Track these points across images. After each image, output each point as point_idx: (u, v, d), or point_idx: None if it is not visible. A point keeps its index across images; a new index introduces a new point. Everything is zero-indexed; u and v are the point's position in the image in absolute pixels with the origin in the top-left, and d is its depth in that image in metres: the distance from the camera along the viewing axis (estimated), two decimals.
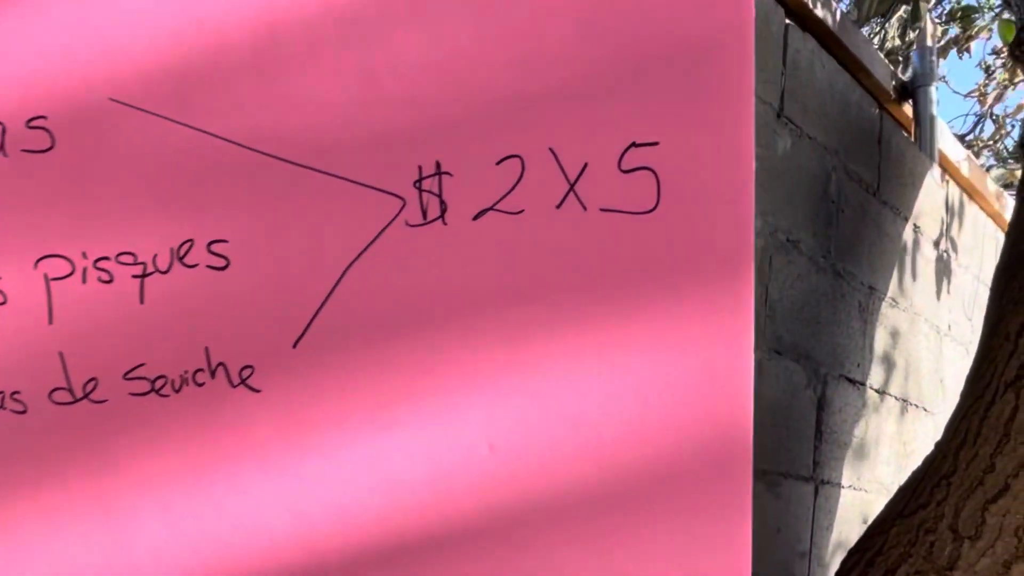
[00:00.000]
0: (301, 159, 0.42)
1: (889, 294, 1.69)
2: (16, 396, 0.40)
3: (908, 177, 1.79)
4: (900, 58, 3.02)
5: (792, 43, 1.44)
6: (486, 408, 0.42)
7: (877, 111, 1.70)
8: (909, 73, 1.96)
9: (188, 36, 0.42)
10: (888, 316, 1.69)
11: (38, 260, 0.41)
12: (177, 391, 0.42)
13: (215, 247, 0.42)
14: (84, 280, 0.41)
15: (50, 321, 0.41)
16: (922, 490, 1.03)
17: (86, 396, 0.41)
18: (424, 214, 0.42)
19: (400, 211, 0.42)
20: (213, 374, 0.41)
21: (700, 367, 0.43)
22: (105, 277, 0.41)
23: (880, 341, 1.66)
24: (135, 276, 0.41)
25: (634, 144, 0.41)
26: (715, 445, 0.44)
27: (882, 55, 1.94)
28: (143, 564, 0.40)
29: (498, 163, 0.42)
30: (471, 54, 0.43)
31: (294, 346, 0.42)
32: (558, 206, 0.42)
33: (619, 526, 0.44)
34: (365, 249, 0.41)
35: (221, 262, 0.42)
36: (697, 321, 0.42)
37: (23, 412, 0.40)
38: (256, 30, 0.42)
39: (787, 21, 1.43)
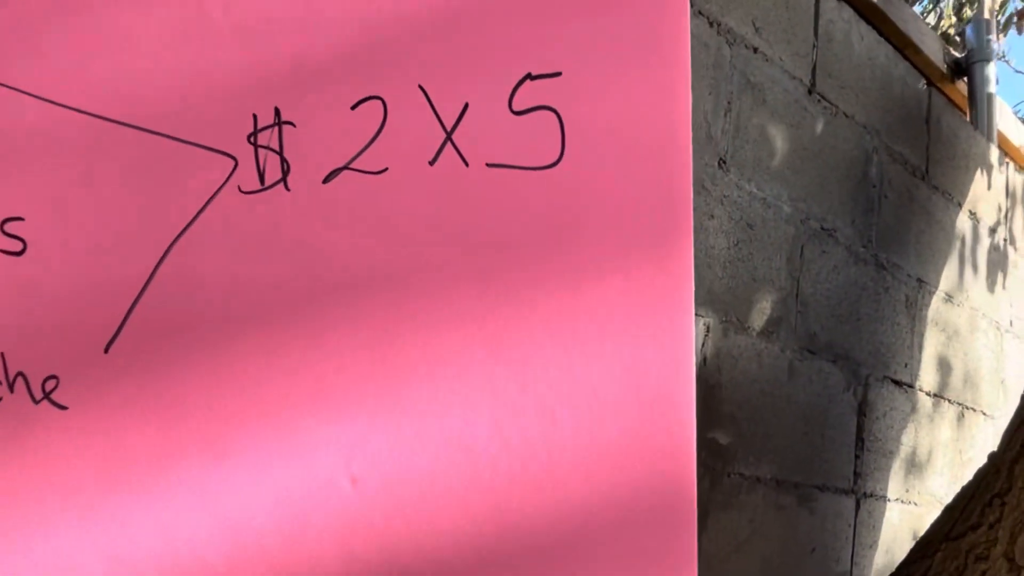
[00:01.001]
0: (113, 114, 0.32)
1: (942, 288, 1.52)
2: None
3: (962, 160, 1.61)
4: (957, 38, 2.79)
5: (825, 12, 1.29)
6: (346, 430, 0.32)
7: (925, 87, 1.53)
8: (963, 49, 1.78)
9: None
10: (941, 312, 1.51)
11: None
12: None
13: (8, 227, 0.32)
14: None
15: None
16: (972, 509, 0.87)
17: None
18: (261, 177, 0.32)
19: (231, 174, 0.32)
20: (12, 387, 0.32)
21: (625, 372, 0.32)
22: None
23: (931, 339, 1.48)
24: None
25: (529, 76, 0.30)
26: (654, 492, 0.32)
27: (935, 32, 1.76)
28: None
29: (353, 107, 0.31)
30: None
31: (105, 350, 0.32)
32: (431, 162, 0.31)
33: None
34: (188, 226, 0.31)
35: (16, 245, 0.32)
36: (618, 311, 0.31)
37: None
38: None
39: None
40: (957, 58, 1.72)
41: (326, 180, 0.32)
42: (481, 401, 0.32)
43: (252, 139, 0.32)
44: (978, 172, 1.65)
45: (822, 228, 1.24)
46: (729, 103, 1.10)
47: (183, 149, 0.32)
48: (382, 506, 0.31)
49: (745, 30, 1.13)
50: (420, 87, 0.32)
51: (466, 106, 0.32)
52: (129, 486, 0.32)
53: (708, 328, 1.03)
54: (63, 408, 0.32)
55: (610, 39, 0.31)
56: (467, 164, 0.32)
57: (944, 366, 1.51)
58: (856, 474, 1.28)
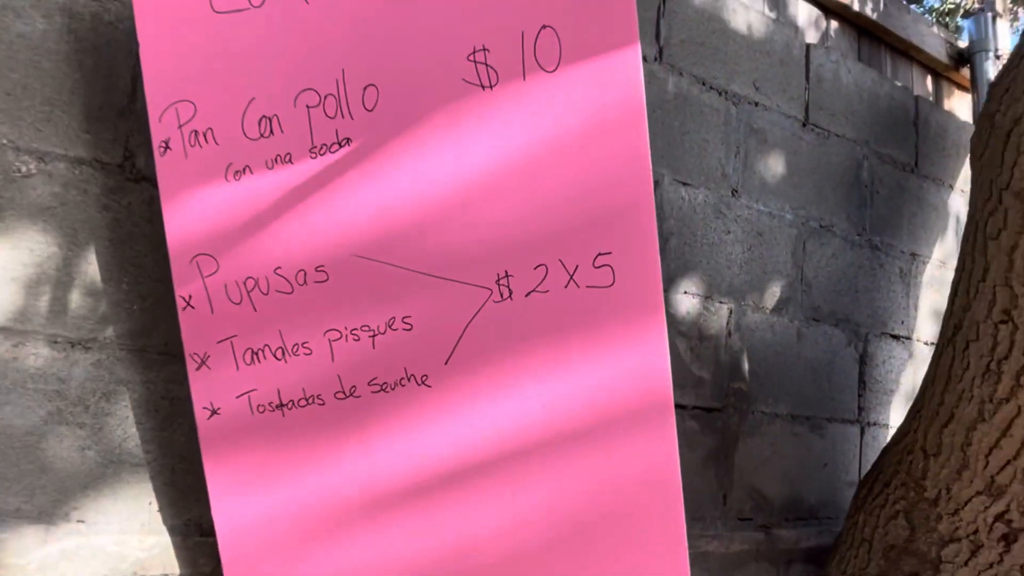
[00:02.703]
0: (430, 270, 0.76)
1: (935, 256, 1.85)
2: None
3: (952, 148, 1.92)
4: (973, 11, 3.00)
5: (815, 59, 1.65)
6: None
7: (912, 97, 1.85)
8: (965, 39, 2.07)
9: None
10: (935, 276, 1.84)
11: None
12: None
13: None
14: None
15: None
16: (908, 421, 1.27)
17: None
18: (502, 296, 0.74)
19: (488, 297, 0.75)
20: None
21: (610, 387, 0.74)
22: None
23: (927, 299, 1.82)
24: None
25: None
26: (643, 483, 0.74)
27: (936, 28, 2.04)
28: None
29: (535, 268, 0.73)
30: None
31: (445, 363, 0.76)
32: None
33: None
34: (470, 321, 0.74)
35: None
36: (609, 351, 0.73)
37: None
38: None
39: (808, 42, 1.64)
40: (960, 48, 2.01)
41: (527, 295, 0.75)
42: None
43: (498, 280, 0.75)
44: (968, 155, 1.96)
45: (820, 226, 1.62)
46: (738, 148, 1.49)
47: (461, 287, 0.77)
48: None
49: (747, 91, 1.51)
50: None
51: None
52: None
53: (731, 311, 1.44)
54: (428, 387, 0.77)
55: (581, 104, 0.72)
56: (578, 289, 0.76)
57: (939, 318, 1.84)
58: (860, 408, 1.66)
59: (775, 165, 1.55)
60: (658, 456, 0.74)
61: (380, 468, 0.78)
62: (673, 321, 1.34)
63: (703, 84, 1.45)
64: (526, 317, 0.72)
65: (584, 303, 0.71)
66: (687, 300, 1.38)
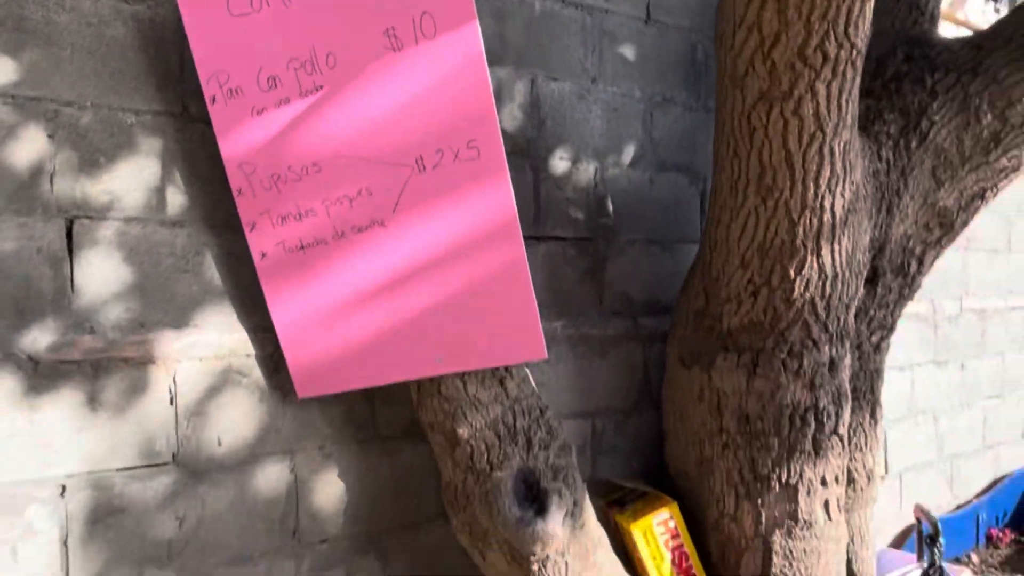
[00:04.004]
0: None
1: None
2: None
3: None
4: None
5: None
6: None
7: None
8: None
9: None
10: None
11: None
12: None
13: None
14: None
15: None
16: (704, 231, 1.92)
17: None
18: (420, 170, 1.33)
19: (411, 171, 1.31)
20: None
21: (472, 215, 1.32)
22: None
23: None
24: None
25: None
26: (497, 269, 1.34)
27: None
28: None
29: (435, 152, 1.31)
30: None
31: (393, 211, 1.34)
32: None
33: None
34: (404, 185, 1.32)
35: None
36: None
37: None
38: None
39: None
40: None
41: (433, 168, 1.33)
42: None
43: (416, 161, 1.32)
44: None
45: (664, 99, 2.20)
46: (594, 47, 2.04)
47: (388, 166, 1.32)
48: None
49: (599, 3, 2.04)
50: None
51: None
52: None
53: (596, 169, 2.04)
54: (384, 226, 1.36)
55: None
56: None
57: None
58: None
59: (625, 57, 2.11)
60: (510, 259, 1.35)
61: (361, 275, 1.39)
62: (552, 178, 1.94)
63: (563, 2, 1.97)
64: (433, 180, 1.31)
65: (464, 170, 1.30)
66: (562, 163, 1.97)
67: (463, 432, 1.44)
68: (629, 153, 2.12)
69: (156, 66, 1.36)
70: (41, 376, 1.29)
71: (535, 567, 1.44)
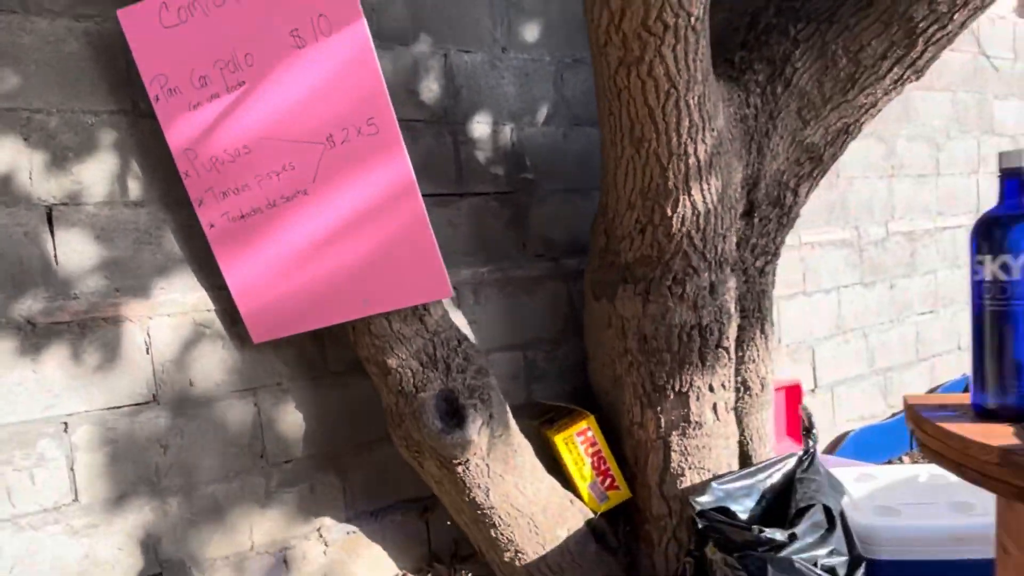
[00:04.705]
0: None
1: None
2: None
3: None
4: None
5: None
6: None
7: None
8: None
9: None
10: None
11: None
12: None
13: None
14: None
15: None
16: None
17: None
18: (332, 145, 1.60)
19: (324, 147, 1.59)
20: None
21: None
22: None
23: None
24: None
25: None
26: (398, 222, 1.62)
27: None
28: None
29: (342, 130, 1.59)
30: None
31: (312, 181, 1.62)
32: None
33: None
34: (319, 159, 1.60)
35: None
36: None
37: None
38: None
39: None
40: None
41: (341, 143, 1.61)
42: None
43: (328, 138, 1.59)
44: None
45: (573, 60, 2.46)
46: (502, 19, 2.29)
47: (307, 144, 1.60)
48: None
49: None
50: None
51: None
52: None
53: (512, 129, 2.31)
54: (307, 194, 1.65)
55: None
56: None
57: None
58: None
59: (532, 26, 2.36)
60: (412, 215, 1.64)
61: (294, 236, 1.68)
62: (471, 140, 2.21)
63: None
64: (342, 154, 1.60)
65: (366, 144, 1.59)
66: (480, 127, 2.24)
67: (392, 362, 1.75)
68: (543, 113, 2.39)
69: (107, 72, 1.64)
70: (38, 336, 1.61)
71: (460, 469, 1.77)
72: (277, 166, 1.62)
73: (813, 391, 3.32)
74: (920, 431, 0.99)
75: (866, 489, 2.12)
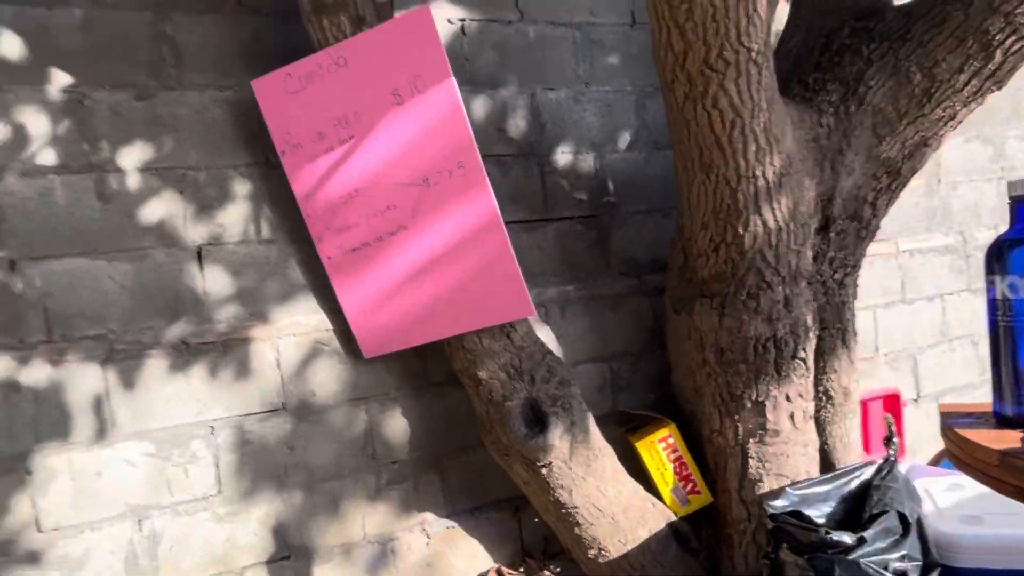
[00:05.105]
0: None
1: None
2: None
3: None
4: None
5: None
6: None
7: None
8: None
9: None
10: None
11: None
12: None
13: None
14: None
15: None
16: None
17: None
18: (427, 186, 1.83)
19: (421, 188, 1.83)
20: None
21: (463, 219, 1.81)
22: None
23: None
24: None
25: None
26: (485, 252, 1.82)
27: None
28: None
29: (436, 173, 1.82)
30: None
31: (411, 218, 1.88)
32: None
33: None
34: (418, 198, 1.84)
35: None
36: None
37: None
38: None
39: None
40: None
41: (435, 184, 1.83)
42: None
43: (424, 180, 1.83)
44: None
45: (654, 88, 2.61)
46: (584, 57, 2.48)
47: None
48: None
49: (586, 18, 2.48)
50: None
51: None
52: None
53: (595, 157, 2.49)
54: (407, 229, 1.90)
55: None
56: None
57: None
58: None
59: (613, 60, 2.54)
60: (496, 245, 1.86)
61: (397, 265, 1.94)
62: (556, 169, 2.41)
63: (554, 24, 2.43)
64: (436, 194, 1.84)
65: (456, 184, 1.82)
66: (564, 157, 2.44)
67: (482, 374, 1.97)
68: (625, 139, 2.56)
69: (243, 132, 1.96)
70: (190, 354, 1.94)
71: (544, 471, 1.96)
72: (382, 206, 1.88)
73: (916, 400, 3.28)
74: (945, 436, 1.09)
75: (954, 498, 2.14)
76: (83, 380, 1.85)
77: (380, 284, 1.96)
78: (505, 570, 2.26)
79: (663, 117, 2.59)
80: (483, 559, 2.29)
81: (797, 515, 1.84)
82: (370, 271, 1.95)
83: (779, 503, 1.88)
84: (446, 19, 2.21)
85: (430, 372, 2.22)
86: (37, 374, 1.81)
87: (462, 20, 2.25)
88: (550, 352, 2.06)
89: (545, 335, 2.29)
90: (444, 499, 2.24)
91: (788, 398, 2.14)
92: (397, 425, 2.18)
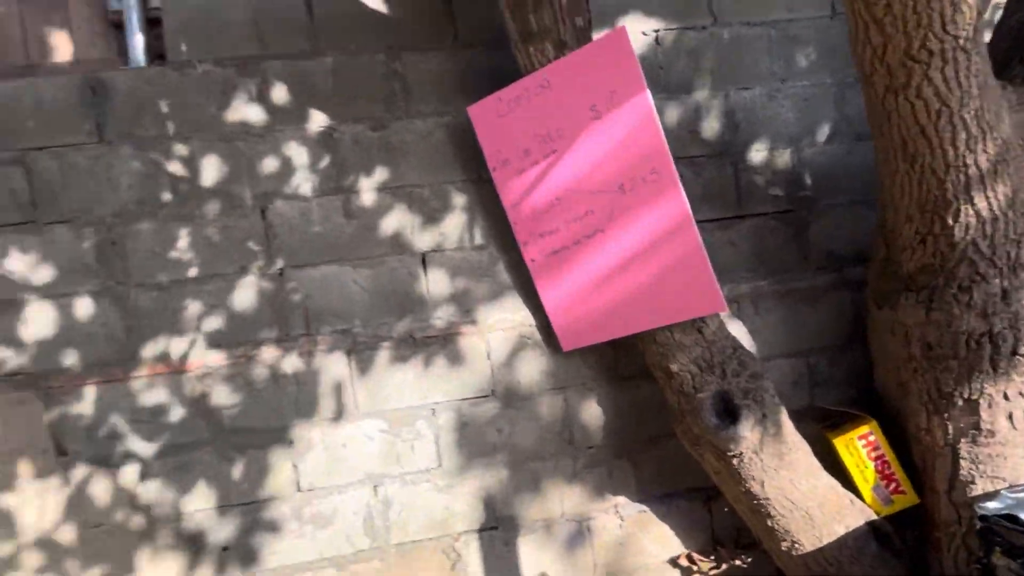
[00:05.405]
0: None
1: None
2: None
3: None
4: None
5: None
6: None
7: None
8: None
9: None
10: None
11: None
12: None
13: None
14: None
15: None
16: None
17: None
18: (623, 192, 1.98)
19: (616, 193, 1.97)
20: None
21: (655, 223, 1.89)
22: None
23: None
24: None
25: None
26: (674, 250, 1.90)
27: None
28: None
29: (630, 179, 1.94)
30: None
31: (608, 221, 2.04)
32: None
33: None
34: (613, 203, 1.98)
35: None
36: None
37: None
38: None
39: None
40: None
41: (630, 190, 1.98)
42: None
43: (619, 187, 1.99)
44: None
45: (855, 79, 2.53)
46: (780, 54, 2.47)
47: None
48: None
49: (783, 15, 2.47)
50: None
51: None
52: None
53: (791, 151, 2.48)
54: (603, 232, 2.07)
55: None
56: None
57: None
58: None
59: (811, 53, 2.50)
60: (687, 243, 1.96)
61: (593, 266, 2.10)
62: (750, 167, 2.44)
63: (748, 24, 2.46)
64: (630, 199, 1.97)
65: (650, 188, 1.94)
66: (759, 154, 2.46)
67: (674, 367, 2.08)
68: (823, 132, 2.52)
69: (460, 152, 2.23)
70: (416, 347, 2.24)
71: (735, 461, 2.03)
72: (580, 212, 2.05)
73: None
74: None
75: None
76: (332, 367, 2.21)
77: (578, 283, 2.13)
78: (696, 556, 2.35)
79: (863, 107, 2.51)
80: (674, 544, 2.39)
81: (1012, 519, 1.75)
82: (569, 271, 2.13)
83: (992, 505, 1.80)
84: (641, 32, 2.33)
85: (623, 365, 2.36)
86: (297, 362, 2.19)
87: (656, 31, 2.35)
88: (741, 346, 2.12)
89: (737, 330, 2.35)
90: (636, 485, 2.38)
91: (1006, 396, 2.02)
92: (593, 413, 2.35)
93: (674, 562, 2.36)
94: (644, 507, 2.39)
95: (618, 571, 2.35)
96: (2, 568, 2.06)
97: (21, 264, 2.06)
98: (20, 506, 2.08)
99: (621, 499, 2.38)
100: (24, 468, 2.06)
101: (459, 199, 2.24)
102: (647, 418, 2.37)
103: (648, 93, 1.88)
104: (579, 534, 2.35)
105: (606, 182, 2.00)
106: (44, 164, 2.07)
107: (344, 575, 2.22)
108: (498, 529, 2.31)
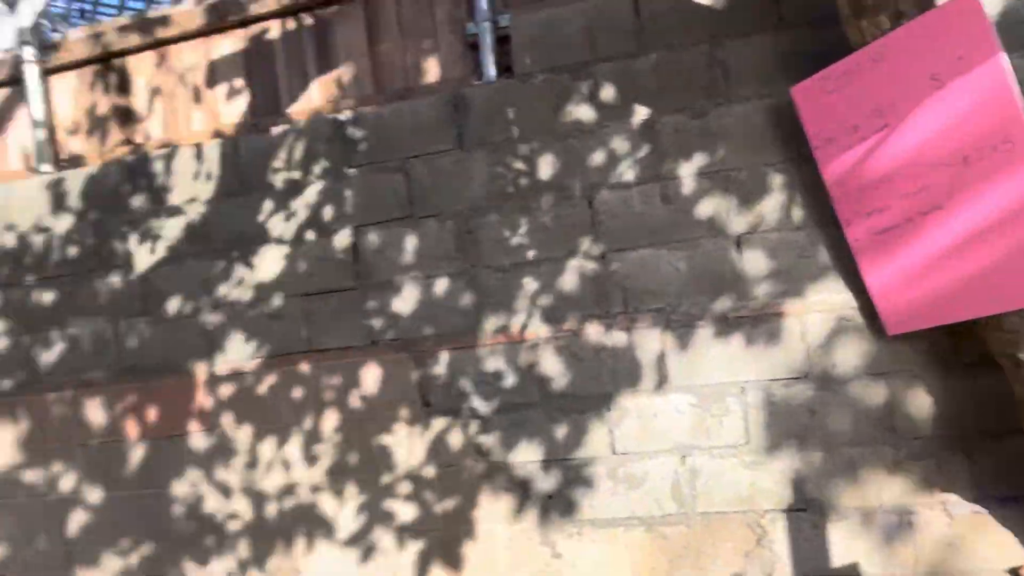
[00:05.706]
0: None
1: None
2: None
3: None
4: None
5: None
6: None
7: None
8: None
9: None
10: None
11: None
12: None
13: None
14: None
15: None
16: None
17: None
18: (966, 164, 1.88)
19: (959, 166, 1.90)
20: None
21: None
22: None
23: None
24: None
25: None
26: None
27: None
28: None
29: (975, 151, 1.82)
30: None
31: (948, 198, 1.94)
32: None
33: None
34: (958, 176, 1.90)
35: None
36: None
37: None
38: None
39: None
40: None
41: (976, 161, 1.86)
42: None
43: (964, 159, 1.90)
44: None
45: None
46: None
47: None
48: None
49: None
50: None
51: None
52: None
53: None
54: (941, 208, 1.97)
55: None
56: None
57: None
58: None
59: None
60: None
61: (925, 245, 2.01)
62: None
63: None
64: (976, 171, 1.85)
65: (1002, 159, 1.81)
66: None
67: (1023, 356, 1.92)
68: None
69: (779, 133, 2.26)
70: (729, 326, 2.31)
71: None
72: (913, 188, 1.98)
73: None
74: None
75: None
76: (647, 343, 2.36)
77: (909, 263, 2.05)
78: None
79: None
80: (1016, 554, 2.19)
81: None
82: (898, 250, 2.06)
83: None
84: None
85: (961, 352, 2.21)
86: (616, 337, 2.37)
87: None
88: None
89: None
90: (971, 482, 2.22)
91: None
92: (920, 402, 2.23)
93: (1015, 573, 2.17)
94: (980, 508, 2.22)
95: (943, 573, 2.22)
96: (382, 494, 2.51)
97: (402, 251, 2.50)
98: (395, 445, 2.52)
99: (951, 496, 2.24)
100: (401, 413, 2.49)
101: (776, 179, 2.27)
102: (987, 411, 2.21)
103: (1003, 56, 1.76)
104: (899, 527, 2.25)
105: (948, 154, 1.90)
106: (418, 170, 2.48)
107: (652, 535, 2.37)
108: (807, 511, 2.30)
